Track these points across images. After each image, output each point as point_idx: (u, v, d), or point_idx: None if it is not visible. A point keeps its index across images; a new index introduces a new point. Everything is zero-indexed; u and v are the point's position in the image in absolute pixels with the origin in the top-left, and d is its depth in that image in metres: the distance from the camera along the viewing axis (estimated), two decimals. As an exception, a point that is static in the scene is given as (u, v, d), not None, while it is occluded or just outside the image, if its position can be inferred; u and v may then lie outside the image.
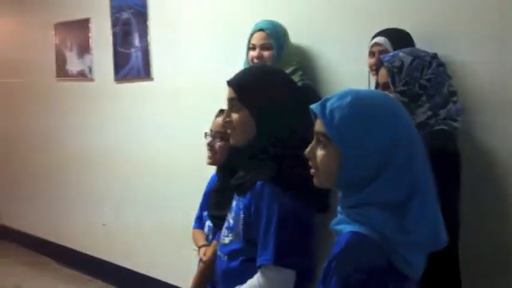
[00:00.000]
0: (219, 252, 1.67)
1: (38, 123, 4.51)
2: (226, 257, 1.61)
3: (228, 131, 1.63)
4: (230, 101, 1.60)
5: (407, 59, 1.74)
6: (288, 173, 1.50)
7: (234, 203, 1.64)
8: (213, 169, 2.16)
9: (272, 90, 1.56)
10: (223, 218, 1.86)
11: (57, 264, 4.31)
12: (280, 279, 1.49)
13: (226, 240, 1.61)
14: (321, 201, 1.50)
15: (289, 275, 1.50)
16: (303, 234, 1.52)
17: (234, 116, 1.58)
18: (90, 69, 3.91)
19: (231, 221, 1.61)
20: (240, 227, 1.56)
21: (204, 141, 2.15)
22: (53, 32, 4.20)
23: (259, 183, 1.52)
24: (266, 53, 2.35)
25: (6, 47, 4.87)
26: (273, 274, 1.49)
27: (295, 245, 1.50)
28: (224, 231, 1.65)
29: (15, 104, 4.81)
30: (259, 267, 1.51)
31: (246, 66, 2.37)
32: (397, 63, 1.74)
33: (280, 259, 1.48)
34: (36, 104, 4.53)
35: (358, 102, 1.14)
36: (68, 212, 4.29)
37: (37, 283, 4.04)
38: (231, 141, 1.64)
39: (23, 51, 4.65)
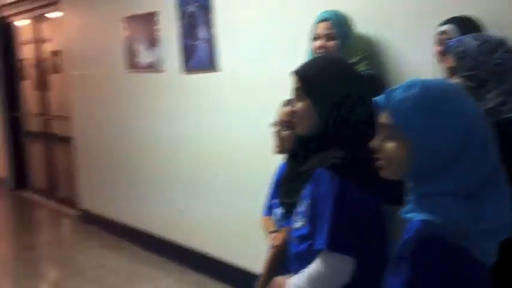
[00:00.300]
0: (291, 236, 1.73)
1: (113, 114, 4.74)
2: (296, 241, 1.66)
3: (294, 120, 1.68)
4: (295, 90, 1.66)
5: (474, 44, 1.71)
6: (350, 161, 1.52)
7: (305, 189, 1.70)
8: (281, 158, 2.23)
9: (335, 80, 1.59)
10: (292, 205, 1.93)
11: (135, 247, 4.54)
12: (336, 265, 1.52)
13: (297, 224, 1.66)
14: (390, 192, 1.51)
15: (346, 262, 1.51)
16: (364, 222, 1.53)
17: (299, 105, 1.63)
18: (159, 61, 4.06)
19: (302, 207, 1.67)
20: (307, 212, 1.62)
21: (271, 131, 2.22)
22: (123, 26, 4.38)
23: (319, 169, 1.56)
24: (330, 43, 2.37)
25: (81, 41, 5.11)
26: (329, 259, 1.52)
27: (352, 232, 1.51)
28: (296, 216, 1.71)
29: (91, 95, 5.06)
30: (318, 252, 1.54)
31: (310, 57, 2.42)
32: (463, 48, 1.72)
33: (334, 244, 1.50)
34: (110, 95, 4.75)
35: (426, 91, 1.13)
36: (145, 198, 4.49)
37: (117, 264, 4.29)
38: (297, 130, 1.68)
39: (96, 45, 4.86)
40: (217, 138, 3.66)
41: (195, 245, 3.97)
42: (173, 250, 4.16)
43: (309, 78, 1.61)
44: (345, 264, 1.52)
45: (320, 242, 1.52)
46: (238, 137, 3.49)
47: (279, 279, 1.72)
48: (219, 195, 3.71)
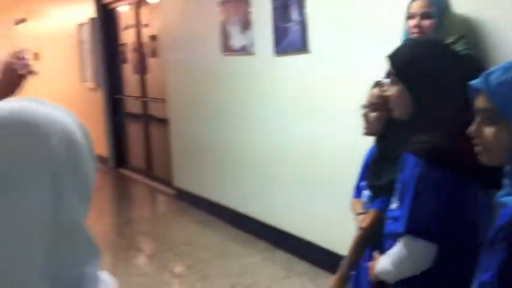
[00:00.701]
0: (386, 216, 1.74)
1: (207, 94, 4.88)
2: (390, 221, 1.67)
3: (389, 104, 1.67)
4: (389, 75, 1.64)
5: None
6: (439, 146, 1.49)
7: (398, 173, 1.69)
8: (369, 141, 2.21)
9: (429, 65, 1.56)
10: (380, 188, 1.91)
11: (226, 225, 4.69)
12: (415, 250, 1.51)
13: (393, 206, 1.67)
14: (485, 177, 1.47)
15: (425, 247, 1.50)
16: (450, 207, 1.50)
17: (393, 90, 1.62)
18: (252, 44, 4.13)
19: (397, 189, 1.67)
20: (398, 195, 1.62)
21: (360, 112, 2.20)
22: (218, 9, 4.48)
23: (405, 154, 1.55)
24: (426, 22, 2.30)
25: (177, 25, 5.29)
26: (408, 243, 1.52)
27: (434, 218, 1.49)
28: (394, 197, 1.71)
29: (185, 78, 5.25)
30: (400, 235, 1.54)
31: (404, 37, 2.36)
32: None
33: (414, 229, 1.49)
34: (204, 79, 4.90)
35: None
36: (236, 178, 4.62)
37: (208, 240, 4.47)
38: (393, 114, 1.68)
39: (192, 29, 5.02)
40: (305, 120, 3.68)
41: (283, 226, 4.03)
42: (262, 229, 4.24)
43: (403, 64, 1.60)
44: (425, 249, 1.51)
45: (400, 225, 1.53)
46: (326, 119, 3.48)
47: (370, 263, 1.75)
48: (305, 178, 3.73)
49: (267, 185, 4.18)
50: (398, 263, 1.57)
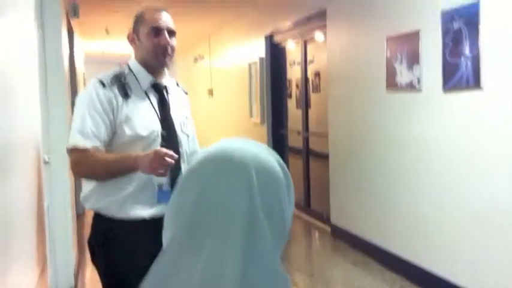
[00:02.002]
0: None
1: (369, 131, 4.82)
2: None
3: None
4: None
5: None
6: None
7: None
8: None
9: None
10: None
11: (381, 266, 4.51)
12: None
13: None
14: None
15: None
16: None
17: None
18: (419, 80, 4.00)
19: None
20: None
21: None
22: (385, 45, 4.43)
23: None
24: None
25: (342, 61, 5.34)
26: None
27: None
28: None
29: (348, 114, 5.24)
30: None
31: None
32: None
33: None
34: (367, 114, 4.85)
35: None
36: (393, 218, 4.46)
37: (363, 283, 4.32)
38: None
39: (356, 65, 5.03)
40: (474, 156, 3.43)
41: (441, 272, 3.76)
42: (422, 276, 4.00)
43: None
44: None
45: None
46: (493, 157, 3.21)
47: None
48: (468, 223, 3.45)
49: (429, 228, 3.95)
50: None
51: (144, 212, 1.98)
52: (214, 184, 0.74)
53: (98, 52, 12.30)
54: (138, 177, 1.96)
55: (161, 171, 1.83)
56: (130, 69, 2.09)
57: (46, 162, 3.35)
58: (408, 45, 4.11)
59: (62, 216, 3.79)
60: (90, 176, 1.99)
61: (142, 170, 1.88)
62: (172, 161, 1.84)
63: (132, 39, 2.11)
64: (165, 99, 2.12)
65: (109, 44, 11.03)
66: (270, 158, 0.78)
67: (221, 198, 0.73)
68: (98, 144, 1.93)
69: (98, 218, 2.04)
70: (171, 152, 1.86)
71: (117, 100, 1.97)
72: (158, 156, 1.82)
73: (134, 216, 1.97)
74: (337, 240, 5.41)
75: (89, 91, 1.99)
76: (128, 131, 1.97)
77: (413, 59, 4.05)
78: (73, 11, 5.24)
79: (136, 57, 2.13)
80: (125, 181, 1.96)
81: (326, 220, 5.87)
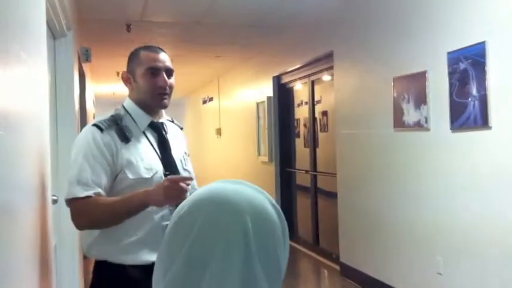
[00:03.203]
0: None
1: (378, 169, 4.81)
2: None
3: None
4: None
5: None
6: None
7: None
8: None
9: None
10: None
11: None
12: None
13: None
14: None
15: None
16: None
17: None
18: (426, 119, 4.01)
19: None
20: None
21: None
22: (392, 85, 4.47)
23: None
24: None
25: (350, 100, 5.38)
26: None
27: None
28: None
29: (355, 153, 5.25)
30: None
31: None
32: None
33: None
34: (374, 154, 4.85)
35: None
36: (403, 257, 4.40)
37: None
38: None
39: (364, 104, 5.06)
40: (487, 199, 3.40)
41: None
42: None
43: None
44: None
45: None
46: (505, 194, 3.18)
47: None
48: (485, 262, 3.40)
49: (444, 268, 3.89)
50: None
51: (153, 256, 1.83)
52: (206, 234, 0.70)
53: (108, 93, 12.48)
54: (147, 222, 1.88)
55: (178, 197, 1.73)
56: (126, 110, 2.01)
57: (55, 202, 3.37)
58: (415, 85, 4.14)
59: (69, 257, 3.77)
60: (94, 224, 1.88)
61: (156, 203, 1.79)
62: (188, 186, 1.76)
63: (127, 79, 2.03)
64: (165, 138, 2.04)
65: (120, 86, 11.21)
66: (265, 202, 0.74)
67: (214, 251, 0.69)
68: (99, 190, 1.84)
69: (103, 266, 1.92)
70: (183, 176, 1.81)
71: (116, 144, 1.89)
72: (172, 183, 1.73)
73: (145, 261, 1.87)
74: (347, 279, 5.33)
75: (86, 137, 1.89)
76: (130, 175, 1.88)
77: (421, 99, 4.08)
78: (85, 56, 5.35)
79: (131, 97, 2.04)
80: (133, 227, 1.87)
81: (335, 259, 5.80)
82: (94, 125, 1.91)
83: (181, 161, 2.06)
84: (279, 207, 0.77)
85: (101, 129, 1.89)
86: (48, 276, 2.39)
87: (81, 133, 1.96)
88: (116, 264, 1.89)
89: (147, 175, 1.91)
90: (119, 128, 1.92)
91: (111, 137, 1.89)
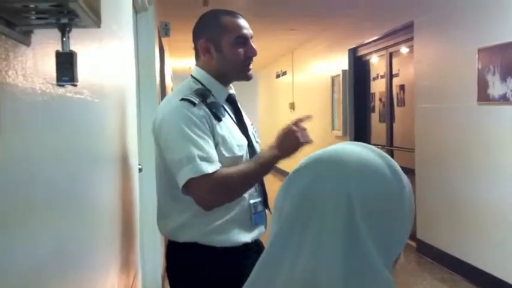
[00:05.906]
0: None
1: (459, 145, 4.64)
2: None
3: None
4: None
5: None
6: None
7: None
8: None
9: None
10: None
11: (470, 285, 4.32)
12: None
13: None
14: None
15: None
16: None
17: None
18: (514, 92, 3.82)
19: None
20: None
21: None
22: (476, 57, 4.28)
23: None
24: None
25: (430, 73, 5.20)
26: None
27: None
28: None
29: (438, 128, 5.09)
30: None
31: None
32: None
33: None
34: (457, 129, 4.68)
35: None
36: (482, 234, 4.27)
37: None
38: None
39: (445, 77, 4.88)
40: None
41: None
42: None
43: None
44: None
45: None
46: None
47: None
48: None
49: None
50: None
51: (244, 236, 1.82)
52: (312, 192, 0.72)
53: (185, 68, 12.74)
54: (239, 202, 1.80)
55: (305, 138, 1.81)
56: (200, 82, 1.84)
57: (140, 170, 3.51)
58: (503, 56, 3.94)
59: (151, 221, 3.93)
60: (230, 198, 1.77)
61: (287, 152, 1.81)
62: (304, 126, 1.84)
63: (206, 48, 1.83)
64: (240, 111, 1.93)
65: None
66: (382, 166, 0.75)
67: (317, 210, 0.71)
68: (219, 165, 1.72)
69: (189, 248, 1.81)
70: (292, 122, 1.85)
71: (211, 120, 1.75)
72: (291, 129, 1.81)
73: (235, 242, 1.80)
74: (423, 256, 5.24)
75: (182, 112, 1.72)
76: (226, 152, 1.76)
77: (508, 71, 3.88)
78: (164, 31, 5.47)
79: (206, 68, 1.85)
80: (224, 207, 1.76)
81: (412, 235, 5.70)
82: (184, 99, 1.73)
83: (252, 133, 1.96)
84: (396, 167, 0.77)
85: (194, 104, 1.73)
86: (137, 233, 2.51)
87: (169, 110, 1.77)
88: (207, 246, 1.79)
89: (239, 152, 1.81)
90: (208, 104, 1.77)
91: (205, 112, 1.75)
